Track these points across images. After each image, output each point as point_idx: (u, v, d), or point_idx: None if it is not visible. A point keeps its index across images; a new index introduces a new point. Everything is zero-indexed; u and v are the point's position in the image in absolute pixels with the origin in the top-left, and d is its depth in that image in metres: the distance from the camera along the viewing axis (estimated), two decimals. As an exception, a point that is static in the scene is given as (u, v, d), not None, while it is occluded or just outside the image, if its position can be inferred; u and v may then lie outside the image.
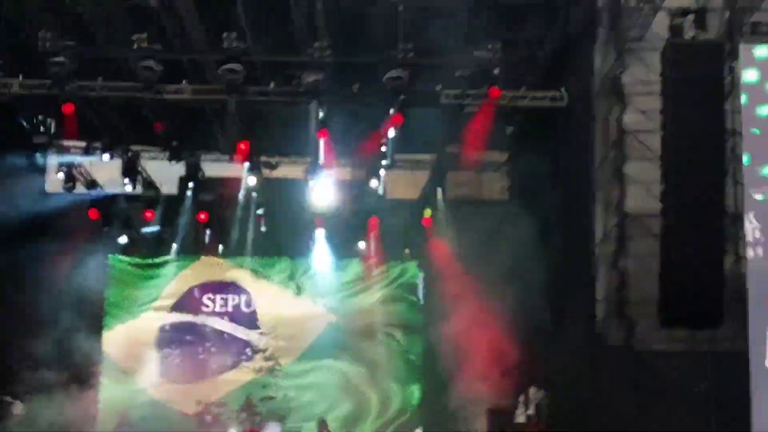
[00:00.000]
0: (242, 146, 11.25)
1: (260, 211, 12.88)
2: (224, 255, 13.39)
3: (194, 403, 12.94)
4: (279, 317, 13.28)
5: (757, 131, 9.08)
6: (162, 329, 13.36)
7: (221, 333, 13.34)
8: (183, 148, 12.27)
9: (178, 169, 12.62)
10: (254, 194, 12.64)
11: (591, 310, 10.16)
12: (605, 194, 10.25)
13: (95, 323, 13.08)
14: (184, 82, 10.78)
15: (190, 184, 12.82)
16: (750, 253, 8.74)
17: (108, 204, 12.97)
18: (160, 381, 13.17)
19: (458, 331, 11.71)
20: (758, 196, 8.85)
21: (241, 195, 12.64)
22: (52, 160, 12.77)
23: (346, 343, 13.09)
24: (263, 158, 12.27)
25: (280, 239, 13.09)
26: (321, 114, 10.64)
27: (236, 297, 13.43)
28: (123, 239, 13.23)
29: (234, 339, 13.31)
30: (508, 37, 10.26)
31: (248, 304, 13.41)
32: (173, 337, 13.34)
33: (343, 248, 12.98)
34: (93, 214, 12.85)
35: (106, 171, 12.76)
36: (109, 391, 13.05)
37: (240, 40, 10.06)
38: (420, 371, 12.89)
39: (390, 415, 12.92)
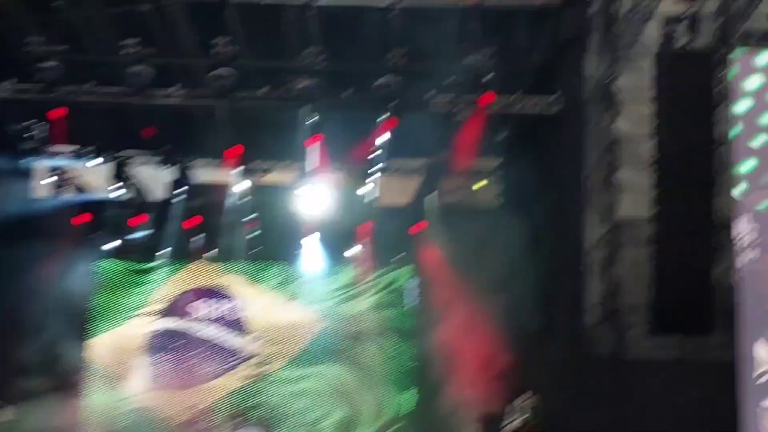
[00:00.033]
0: (233, 152, 11.19)
1: (251, 217, 12.80)
2: (214, 260, 13.30)
3: (182, 411, 12.81)
4: (269, 323, 13.18)
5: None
6: (150, 336, 13.22)
7: (210, 339, 13.22)
8: (173, 153, 12.20)
9: (168, 174, 12.54)
10: (245, 200, 12.56)
11: (581, 318, 10.16)
12: (597, 201, 10.28)
13: (82, 329, 12.92)
14: (174, 86, 10.73)
15: (180, 190, 12.74)
16: (740, 263, 8.71)
17: (96, 209, 12.85)
18: (147, 388, 13.02)
19: (450, 337, 11.67)
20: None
21: (231, 201, 12.56)
22: (40, 164, 12.65)
23: (339, 350, 13.01)
24: (254, 164, 12.21)
25: (270, 245, 13.01)
26: (312, 120, 10.60)
27: (226, 303, 13.32)
28: (111, 245, 13.10)
29: (223, 345, 13.20)
30: (499, 43, 10.27)
31: (238, 310, 13.31)
32: (161, 344, 13.20)
33: (335, 254, 12.92)
34: (81, 219, 12.73)
35: (94, 176, 12.65)
36: (95, 398, 12.89)
37: (231, 45, 10.03)
38: (413, 377, 12.83)
39: (384, 421, 12.85)
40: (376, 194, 12.06)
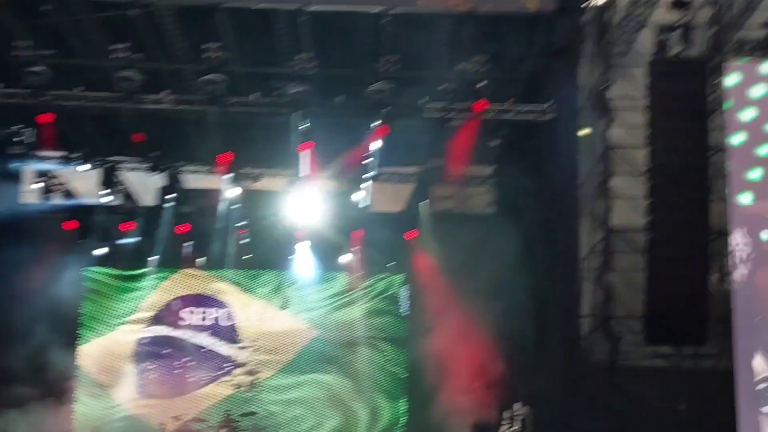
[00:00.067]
0: (223, 158, 11.11)
1: (241, 224, 12.70)
2: (204, 268, 13.18)
3: (172, 419, 12.67)
4: (261, 331, 13.08)
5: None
6: (139, 343, 13.10)
7: (201, 347, 13.11)
8: (162, 159, 12.10)
9: (158, 180, 12.43)
10: (235, 206, 12.46)
11: (575, 326, 10.13)
12: (590, 209, 10.26)
13: (70, 336, 12.80)
14: (164, 92, 10.63)
15: (170, 196, 12.63)
16: (739, 266, 8.70)
17: (85, 215, 12.73)
18: (136, 396, 12.90)
19: (442, 345, 11.62)
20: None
21: (221, 207, 12.46)
22: (29, 170, 12.53)
23: (331, 357, 12.93)
24: (245, 170, 12.13)
25: (261, 252, 12.91)
26: (304, 126, 10.53)
27: (217, 310, 13.22)
28: (100, 251, 12.98)
29: (214, 353, 13.09)
30: (492, 50, 10.23)
31: (229, 318, 13.20)
32: (151, 351, 13.08)
33: (327, 262, 12.83)
34: (70, 225, 12.61)
35: (83, 181, 12.54)
36: (84, 406, 12.76)
37: (221, 50, 9.94)
38: (406, 385, 12.76)
39: (379, 429, 12.77)
40: (369, 201, 11.98)
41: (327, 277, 13.00)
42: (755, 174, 8.95)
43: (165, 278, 13.22)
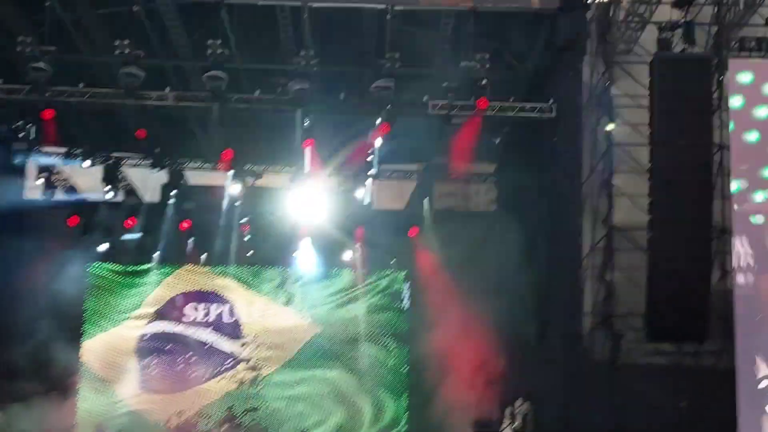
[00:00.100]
0: (226, 154, 11.11)
1: (244, 220, 12.71)
2: (207, 264, 13.20)
3: (174, 415, 12.72)
4: (263, 327, 13.11)
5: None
6: (142, 338, 13.13)
7: (203, 343, 13.14)
8: (165, 155, 12.09)
9: (161, 176, 12.41)
10: (238, 203, 12.47)
11: (577, 323, 10.13)
12: (593, 206, 10.27)
13: (74, 332, 12.82)
14: (167, 88, 10.62)
15: (173, 192, 12.63)
16: (740, 277, 8.65)
17: (88, 211, 12.74)
18: (139, 391, 12.93)
19: (444, 342, 11.64)
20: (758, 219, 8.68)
21: (224, 203, 12.46)
22: (32, 165, 12.54)
23: (334, 353, 12.94)
24: (247, 166, 12.12)
25: (264, 249, 12.91)
26: (306, 123, 10.52)
27: (219, 306, 13.24)
28: (104, 247, 13.00)
29: (216, 349, 13.12)
30: (495, 48, 10.21)
31: (231, 314, 13.23)
32: (154, 347, 13.12)
33: (329, 258, 12.84)
34: (73, 221, 12.62)
35: (86, 178, 12.54)
36: (87, 401, 12.80)
37: (225, 47, 9.93)
38: (408, 381, 12.78)
39: (383, 424, 12.79)
40: (371, 198, 11.98)
41: (330, 274, 13.01)
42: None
43: (168, 274, 13.25)
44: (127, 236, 12.99)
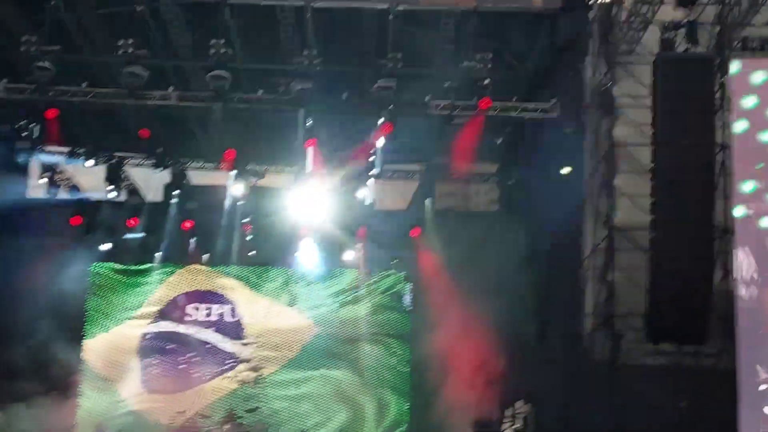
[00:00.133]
0: (228, 154, 11.13)
1: (246, 220, 12.73)
2: (209, 263, 13.22)
3: (176, 414, 12.73)
4: (265, 327, 13.11)
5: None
6: (144, 338, 13.15)
7: (205, 343, 13.15)
8: (168, 155, 12.13)
9: (163, 176, 12.44)
10: (240, 203, 12.49)
11: (577, 323, 10.13)
12: (594, 207, 10.25)
13: (76, 331, 12.85)
14: (170, 88, 10.65)
15: (175, 192, 12.65)
16: (742, 286, 8.58)
17: (91, 210, 12.77)
18: (141, 391, 12.94)
19: (445, 341, 11.63)
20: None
21: (226, 203, 12.48)
22: (35, 164, 12.57)
23: (336, 353, 12.94)
24: (250, 166, 12.14)
25: (266, 249, 12.92)
26: (309, 123, 10.53)
27: (221, 306, 13.25)
28: (106, 246, 13.03)
29: (218, 349, 13.13)
30: (497, 47, 10.21)
31: (233, 314, 13.24)
32: (156, 346, 13.13)
33: (331, 259, 12.85)
34: (76, 220, 12.65)
35: (89, 177, 12.56)
36: (88, 401, 12.81)
37: (227, 47, 9.96)
38: (409, 382, 12.78)
39: (385, 424, 12.78)
40: (373, 198, 11.99)
41: (332, 274, 13.02)
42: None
43: (170, 274, 13.26)
44: (130, 236, 13.02)
